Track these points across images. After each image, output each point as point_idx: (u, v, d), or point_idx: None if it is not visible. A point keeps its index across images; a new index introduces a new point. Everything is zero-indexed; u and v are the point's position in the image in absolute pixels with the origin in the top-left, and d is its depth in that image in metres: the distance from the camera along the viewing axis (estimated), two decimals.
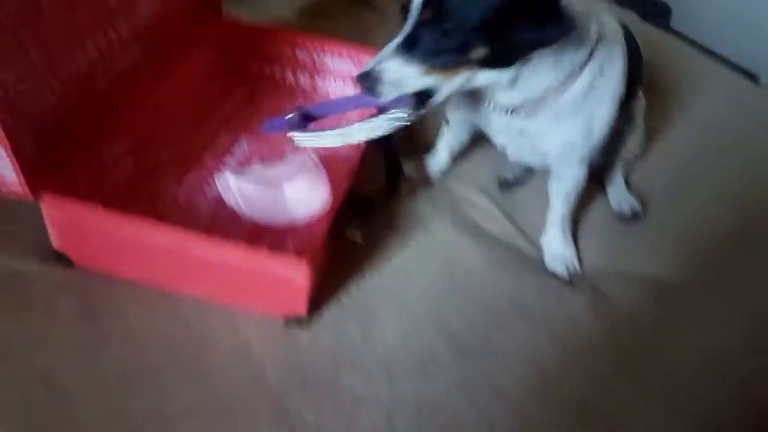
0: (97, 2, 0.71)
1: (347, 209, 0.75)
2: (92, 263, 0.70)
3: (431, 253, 0.80)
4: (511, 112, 0.73)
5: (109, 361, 0.62)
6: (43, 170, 0.65)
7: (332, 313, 0.71)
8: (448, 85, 0.65)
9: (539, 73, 0.68)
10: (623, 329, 0.76)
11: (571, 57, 0.68)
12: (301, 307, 0.68)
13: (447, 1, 0.60)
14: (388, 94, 0.63)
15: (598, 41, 0.70)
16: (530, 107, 0.72)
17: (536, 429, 0.64)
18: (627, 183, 0.98)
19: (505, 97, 0.71)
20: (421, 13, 0.61)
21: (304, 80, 1.02)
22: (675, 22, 1.52)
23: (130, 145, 0.78)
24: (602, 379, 0.70)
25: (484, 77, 0.66)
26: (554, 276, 0.82)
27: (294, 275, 0.64)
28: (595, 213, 0.94)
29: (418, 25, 0.62)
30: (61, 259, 0.69)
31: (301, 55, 0.99)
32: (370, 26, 1.26)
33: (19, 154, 0.61)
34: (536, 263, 0.83)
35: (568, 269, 0.83)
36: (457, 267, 0.79)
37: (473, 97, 0.76)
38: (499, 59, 0.64)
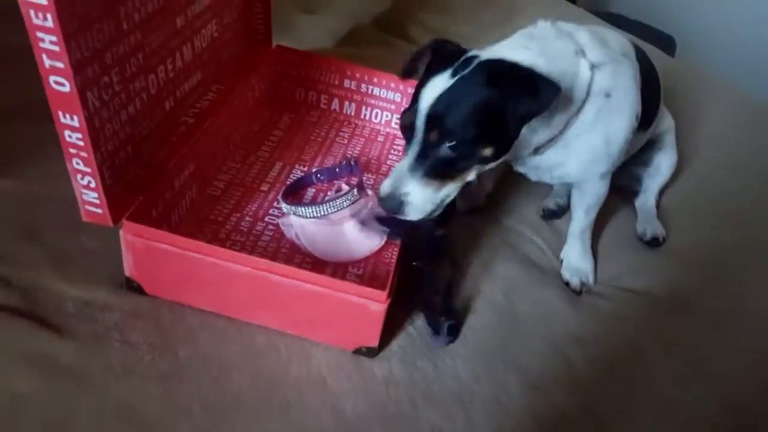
0: (168, 25, 0.72)
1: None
2: (164, 292, 0.70)
3: (490, 286, 0.82)
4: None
5: (191, 392, 0.61)
6: (121, 196, 0.65)
7: (400, 344, 0.72)
8: (461, 183, 0.70)
9: (537, 132, 0.73)
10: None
11: (564, 105, 0.72)
12: (373, 339, 0.68)
13: (447, 121, 0.65)
14: (414, 215, 0.68)
15: (593, 72, 0.73)
16: (539, 150, 0.77)
17: None
18: (657, 206, 1.03)
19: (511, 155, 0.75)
20: (425, 135, 0.66)
21: (349, 110, 1.04)
22: None
23: (194, 171, 0.79)
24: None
25: (492, 163, 0.71)
26: (567, 285, 0.87)
27: (372, 306, 0.65)
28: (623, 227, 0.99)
29: (426, 145, 0.67)
30: (132, 287, 0.69)
31: (348, 84, 1.02)
32: (404, 56, 1.28)
33: (102, 179, 0.61)
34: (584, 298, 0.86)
35: (581, 281, 0.87)
36: (518, 300, 0.81)
37: None
38: (502, 146, 0.69)
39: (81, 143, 0.57)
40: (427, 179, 0.67)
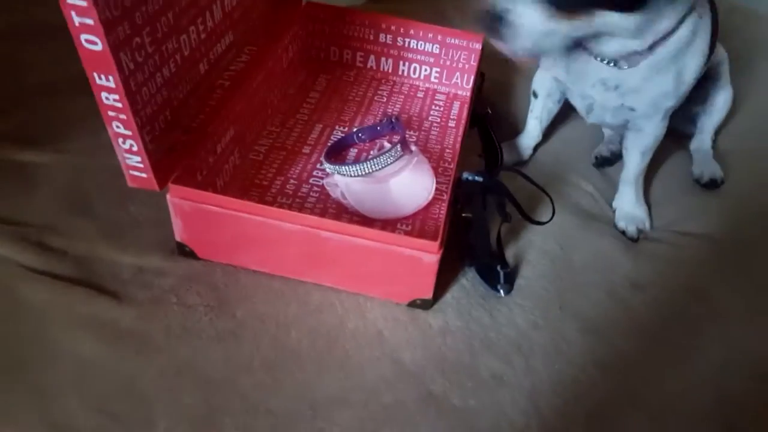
0: None
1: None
2: (216, 255, 0.70)
3: (543, 236, 0.79)
4: (614, 64, 0.71)
5: (250, 349, 0.62)
6: (164, 162, 0.65)
7: (454, 296, 0.70)
8: (570, 31, 0.60)
9: (662, 17, 0.65)
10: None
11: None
12: (428, 291, 0.67)
13: None
14: (518, 42, 0.58)
15: None
16: (636, 58, 0.70)
17: (676, 400, 0.63)
18: (713, 147, 0.98)
19: (614, 47, 0.68)
20: None
21: (386, 66, 1.01)
22: None
23: (235, 135, 0.78)
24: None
25: (610, 21, 0.62)
26: (622, 234, 0.82)
27: (425, 257, 0.63)
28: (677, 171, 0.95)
29: None
30: (184, 252, 0.69)
31: (383, 38, 0.98)
32: (442, 8, 1.24)
33: (145, 142, 0.60)
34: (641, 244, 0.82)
35: (638, 228, 0.83)
36: (573, 249, 0.78)
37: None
38: None
39: (119, 105, 0.56)
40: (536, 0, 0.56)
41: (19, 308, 0.62)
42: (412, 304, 0.68)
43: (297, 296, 0.67)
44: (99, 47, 0.52)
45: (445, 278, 0.70)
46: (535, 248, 0.77)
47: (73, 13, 0.50)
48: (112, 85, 0.55)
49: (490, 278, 0.70)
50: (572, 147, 0.96)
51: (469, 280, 0.72)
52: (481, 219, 0.72)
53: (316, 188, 0.80)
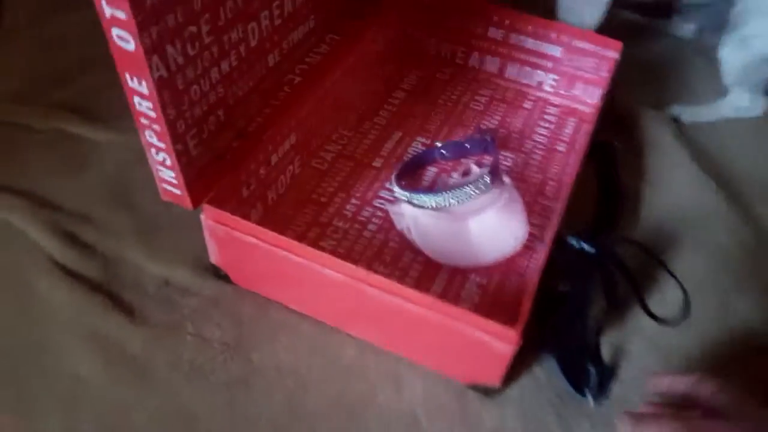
0: None
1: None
2: (250, 284, 0.61)
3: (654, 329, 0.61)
4: None
5: (260, 405, 0.53)
6: (208, 170, 0.55)
7: (522, 387, 0.56)
8: None
9: None
10: None
11: None
12: (494, 378, 0.54)
13: None
14: None
15: None
16: None
17: None
18: None
19: None
20: None
21: (491, 66, 0.85)
22: None
23: (296, 142, 0.67)
24: None
25: None
26: None
27: (497, 344, 0.49)
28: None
29: None
30: (219, 275, 0.61)
31: (494, 33, 0.82)
32: None
33: (182, 154, 0.51)
34: None
35: None
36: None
37: None
38: None
39: (152, 114, 0.47)
40: None
41: (33, 307, 0.58)
42: (474, 388, 0.55)
43: (327, 347, 0.57)
44: (131, 47, 0.43)
45: (514, 361, 0.56)
46: (644, 338, 0.60)
47: (103, 3, 0.41)
48: (145, 91, 0.46)
49: (575, 376, 0.55)
50: (695, 196, 0.75)
51: (545, 371, 0.57)
52: (581, 299, 0.56)
53: (380, 213, 0.68)
